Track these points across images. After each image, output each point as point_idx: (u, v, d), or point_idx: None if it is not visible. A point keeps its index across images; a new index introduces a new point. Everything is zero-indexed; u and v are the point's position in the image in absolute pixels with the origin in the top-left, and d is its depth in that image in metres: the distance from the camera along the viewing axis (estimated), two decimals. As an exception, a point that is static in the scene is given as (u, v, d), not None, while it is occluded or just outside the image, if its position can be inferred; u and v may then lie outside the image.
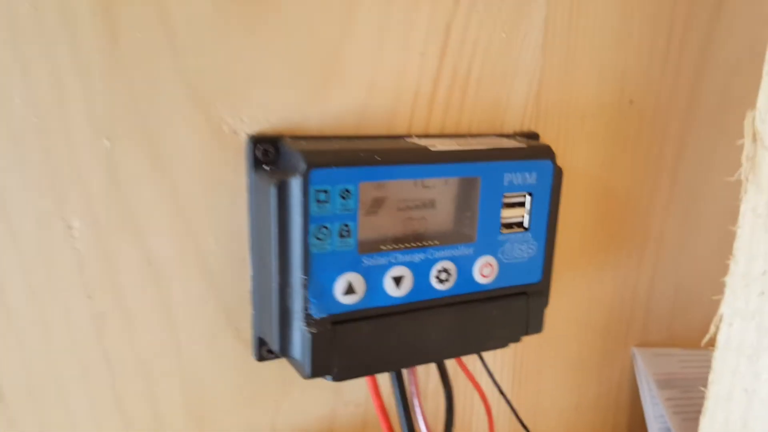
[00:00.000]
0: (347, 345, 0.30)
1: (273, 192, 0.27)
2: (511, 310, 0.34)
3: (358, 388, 0.37)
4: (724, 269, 0.38)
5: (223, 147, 0.29)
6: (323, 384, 0.36)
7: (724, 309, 0.39)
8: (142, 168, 0.28)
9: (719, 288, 0.40)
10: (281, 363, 0.34)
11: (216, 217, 0.30)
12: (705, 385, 0.41)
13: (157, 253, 0.29)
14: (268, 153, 0.29)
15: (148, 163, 0.28)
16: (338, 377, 0.30)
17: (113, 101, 0.27)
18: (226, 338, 0.32)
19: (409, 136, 0.33)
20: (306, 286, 0.28)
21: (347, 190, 0.28)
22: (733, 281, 0.39)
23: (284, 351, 0.30)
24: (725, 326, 0.39)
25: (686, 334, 0.50)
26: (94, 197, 0.27)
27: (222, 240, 0.30)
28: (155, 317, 0.30)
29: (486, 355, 0.38)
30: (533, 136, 0.36)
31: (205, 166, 0.29)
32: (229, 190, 0.30)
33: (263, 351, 0.33)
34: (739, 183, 0.37)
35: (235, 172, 0.30)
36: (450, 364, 0.35)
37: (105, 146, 0.27)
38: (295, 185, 0.27)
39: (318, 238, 0.28)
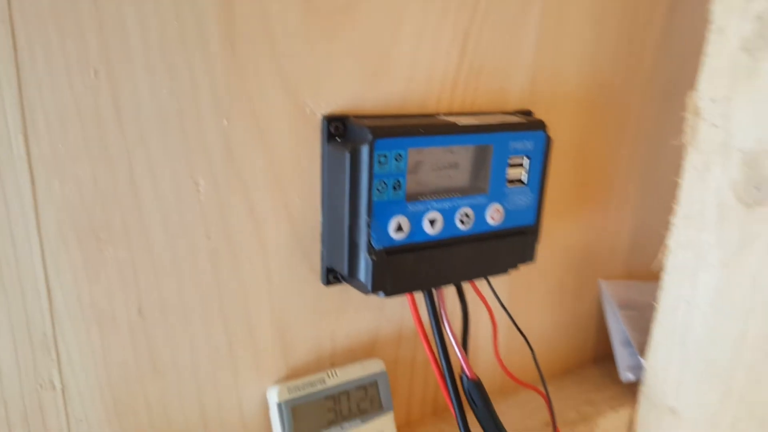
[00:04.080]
0: (396, 269, 0.41)
1: (348, 156, 0.38)
2: (513, 245, 0.45)
3: (396, 308, 0.48)
4: (672, 213, 0.50)
5: (305, 124, 0.39)
6: (371, 305, 0.46)
7: (671, 241, 0.51)
8: (249, 140, 0.38)
9: (668, 228, 0.52)
10: (342, 288, 0.44)
11: (299, 177, 0.40)
12: (656, 303, 0.53)
13: (257, 205, 0.39)
14: (338, 128, 0.40)
15: (254, 137, 0.38)
16: (389, 293, 0.41)
17: (231, 92, 0.36)
18: (302, 268, 0.42)
19: (438, 114, 0.43)
20: (369, 225, 0.39)
21: (400, 155, 0.38)
22: (677, 220, 0.51)
23: (351, 274, 0.40)
24: (671, 254, 0.51)
25: (642, 270, 0.62)
26: (214, 162, 0.37)
27: (302, 195, 0.41)
28: (254, 253, 0.40)
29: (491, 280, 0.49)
30: (528, 113, 0.47)
31: (293, 138, 0.39)
32: (308, 157, 0.40)
33: (330, 278, 0.43)
34: (683, 146, 0.49)
35: (313, 143, 0.40)
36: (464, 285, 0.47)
37: (224, 124, 0.37)
38: (364, 151, 0.37)
39: (378, 190, 0.38)
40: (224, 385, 0.41)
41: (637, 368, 0.56)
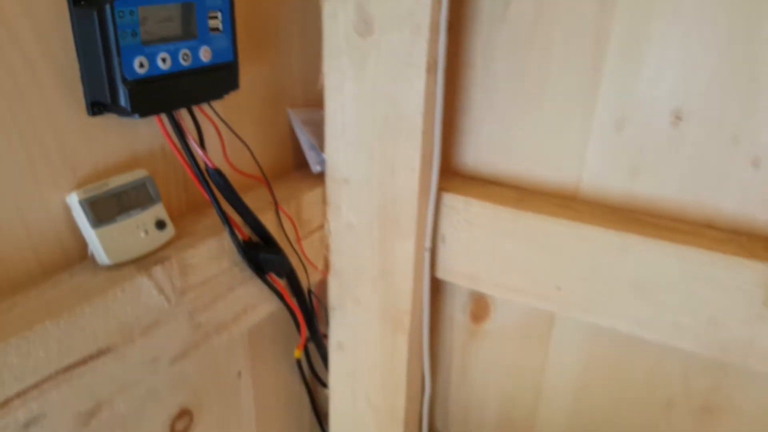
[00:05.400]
0: (146, 95, 0.59)
1: (95, 14, 0.54)
2: (223, 76, 0.67)
3: (147, 132, 0.65)
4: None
5: (54, -8, 0.53)
6: (129, 130, 0.63)
7: (324, 68, 0.78)
8: (11, 10, 0.51)
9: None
10: (106, 118, 0.61)
11: (57, 35, 0.54)
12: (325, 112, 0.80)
13: (29, 57, 0.53)
14: (80, -6, 0.55)
15: (15, 7, 0.51)
16: (143, 114, 0.59)
17: (-7, -34, 0.49)
18: (71, 105, 0.57)
19: (151, -17, 0.60)
20: (120, 63, 0.56)
21: (132, 11, 0.56)
22: (325, 52, 0.77)
23: (114, 102, 0.57)
24: (326, 77, 0.79)
25: (315, 96, 0.89)
26: (-10, 22, 0.50)
27: (63, 47, 0.55)
28: (34, 95, 0.54)
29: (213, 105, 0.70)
30: (215, -19, 0.67)
31: (46, 4, 0.53)
32: (62, 19, 0.54)
33: (94, 110, 0.59)
34: None
35: (63, 7, 0.54)
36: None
37: (-9, -7, 0.49)
38: (108, 9, 0.54)
39: (123, 38, 0.56)
40: (33, 196, 0.56)
41: (322, 162, 0.85)
